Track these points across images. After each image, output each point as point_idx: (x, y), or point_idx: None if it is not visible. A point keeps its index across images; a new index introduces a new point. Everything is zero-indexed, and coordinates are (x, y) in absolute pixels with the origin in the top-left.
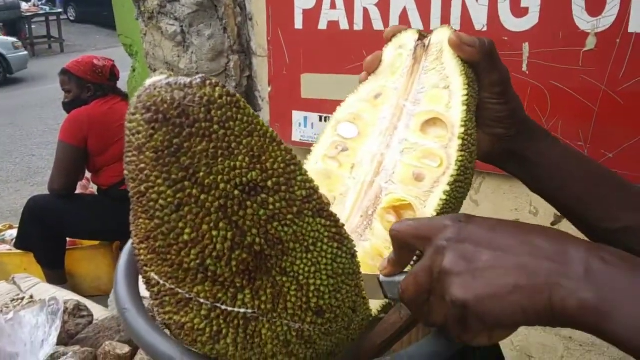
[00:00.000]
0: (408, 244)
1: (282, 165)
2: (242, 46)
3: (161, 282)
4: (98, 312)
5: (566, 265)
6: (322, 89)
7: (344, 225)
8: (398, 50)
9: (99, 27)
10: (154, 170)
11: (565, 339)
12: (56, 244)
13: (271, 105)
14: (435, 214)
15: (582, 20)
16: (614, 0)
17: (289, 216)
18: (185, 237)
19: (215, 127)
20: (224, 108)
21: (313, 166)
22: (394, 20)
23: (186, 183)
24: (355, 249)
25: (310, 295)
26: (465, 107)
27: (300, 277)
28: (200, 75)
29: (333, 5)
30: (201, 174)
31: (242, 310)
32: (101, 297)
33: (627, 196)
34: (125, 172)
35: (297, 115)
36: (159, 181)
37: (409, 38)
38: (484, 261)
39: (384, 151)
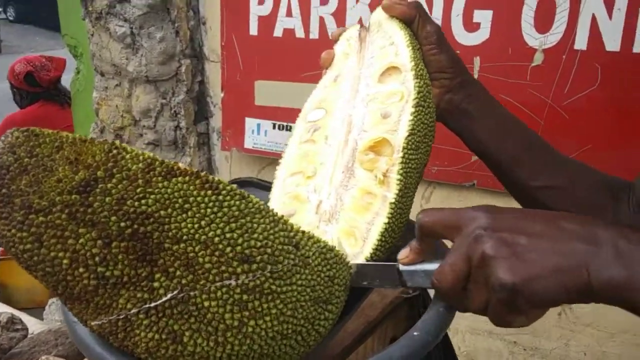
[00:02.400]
0: (435, 233)
1: (102, 155)
2: (194, 50)
3: (100, 322)
4: (33, 325)
5: (597, 246)
6: (277, 96)
7: (207, 174)
8: (347, 42)
9: (39, 27)
10: (5, 228)
11: (509, 344)
12: None
13: (224, 111)
14: (407, 134)
15: (531, 36)
16: (562, 17)
17: (139, 189)
18: (65, 261)
19: (26, 160)
20: (25, 143)
21: (290, 155)
22: None
23: (30, 217)
24: (239, 190)
25: (221, 247)
26: (410, 48)
27: (197, 236)
28: (4, 134)
29: (289, 13)
30: (35, 200)
31: (169, 295)
32: (36, 310)
33: (552, 159)
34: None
35: (250, 122)
36: (13, 231)
37: (353, 30)
38: (524, 245)
39: (352, 112)
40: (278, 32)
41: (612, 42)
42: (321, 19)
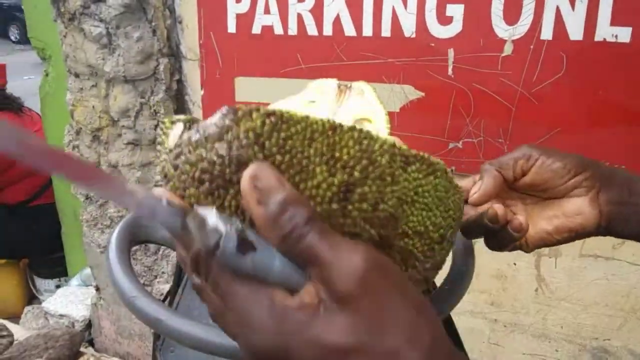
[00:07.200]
0: None
1: (355, 150)
2: (172, 49)
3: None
4: (17, 331)
5: None
6: (256, 92)
7: (423, 154)
8: (321, 86)
9: None
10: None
11: (490, 322)
12: None
13: (204, 109)
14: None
15: (500, 28)
16: (529, 9)
17: (388, 189)
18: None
19: (278, 157)
20: (274, 131)
21: (299, 103)
22: (328, 26)
23: None
24: (442, 164)
25: (431, 235)
26: (386, 118)
27: (418, 228)
28: (222, 110)
29: (267, 11)
30: None
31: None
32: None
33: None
34: None
35: None
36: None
37: (331, 80)
38: None
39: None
40: (256, 29)
41: (576, 32)
42: (299, 16)
